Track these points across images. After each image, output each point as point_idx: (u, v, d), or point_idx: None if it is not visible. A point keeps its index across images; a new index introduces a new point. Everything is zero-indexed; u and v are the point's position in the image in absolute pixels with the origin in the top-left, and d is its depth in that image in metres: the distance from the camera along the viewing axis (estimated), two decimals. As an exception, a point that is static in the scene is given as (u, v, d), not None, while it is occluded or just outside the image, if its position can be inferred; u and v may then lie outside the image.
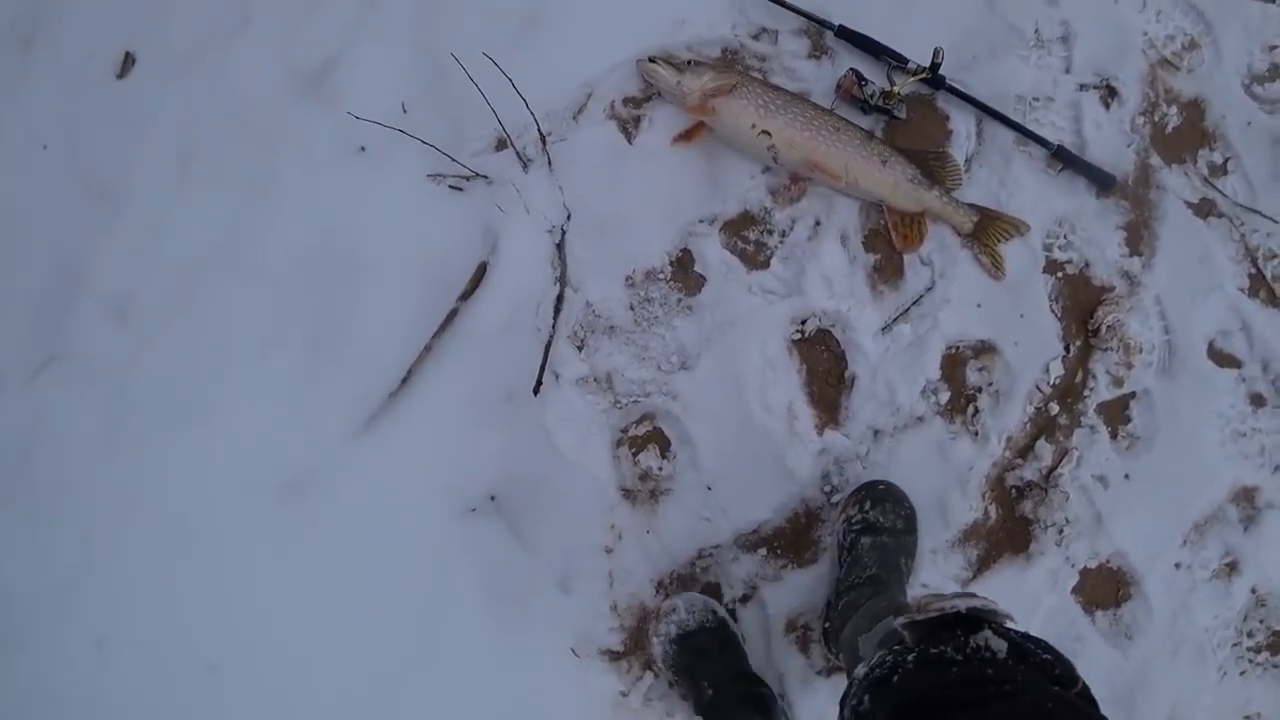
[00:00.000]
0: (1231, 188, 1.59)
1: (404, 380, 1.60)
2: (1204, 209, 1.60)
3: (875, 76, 1.58)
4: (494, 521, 1.55)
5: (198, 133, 1.80)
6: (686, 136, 1.59)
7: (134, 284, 1.76)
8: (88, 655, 1.63)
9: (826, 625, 1.44)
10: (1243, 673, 1.46)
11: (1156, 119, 1.61)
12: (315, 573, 1.58)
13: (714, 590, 1.54)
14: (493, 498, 1.56)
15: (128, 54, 1.86)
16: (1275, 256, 1.57)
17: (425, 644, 1.54)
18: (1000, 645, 0.81)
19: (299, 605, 1.58)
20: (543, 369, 1.53)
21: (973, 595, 0.90)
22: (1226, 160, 1.61)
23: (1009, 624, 0.86)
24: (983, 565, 1.50)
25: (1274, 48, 1.63)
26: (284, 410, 1.64)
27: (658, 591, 1.53)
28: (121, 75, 1.87)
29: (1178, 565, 1.47)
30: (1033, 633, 1.45)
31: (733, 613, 1.53)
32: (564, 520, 1.55)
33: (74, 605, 1.66)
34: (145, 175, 1.81)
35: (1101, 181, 1.55)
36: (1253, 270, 1.56)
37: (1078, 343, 1.54)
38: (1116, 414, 1.53)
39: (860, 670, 0.92)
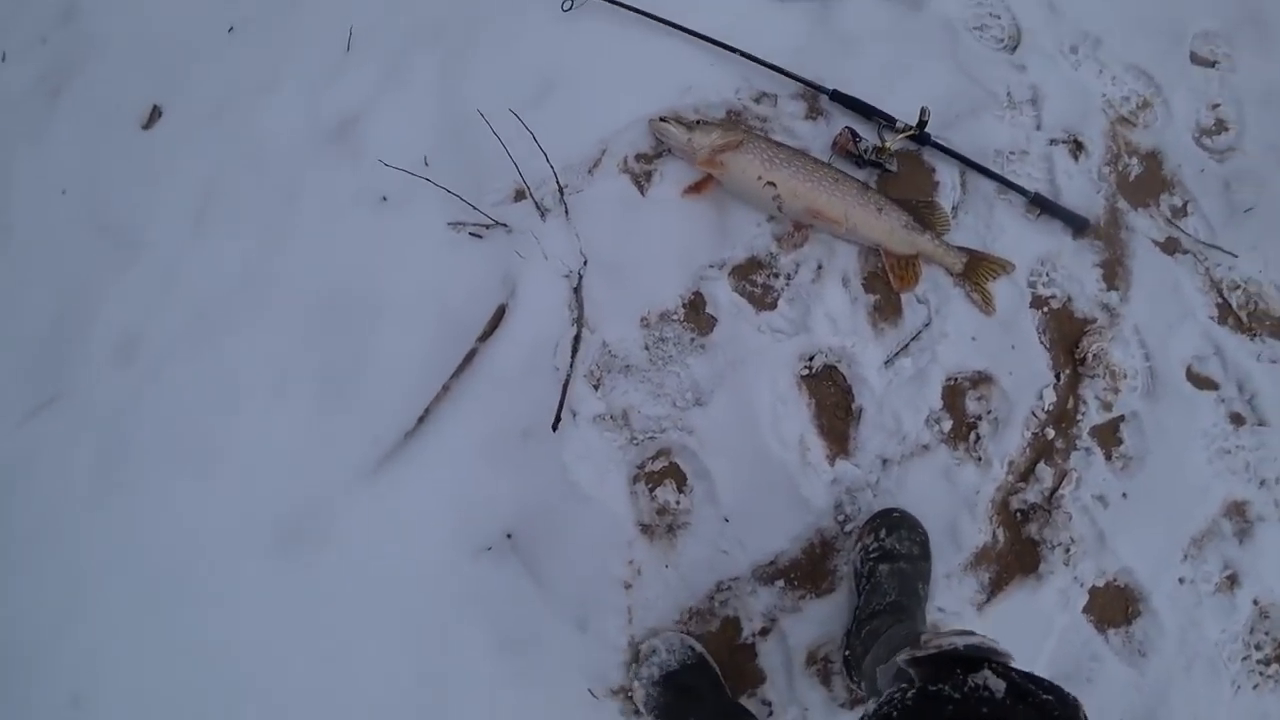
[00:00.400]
0: (1193, 227, 1.75)
1: (421, 420, 1.63)
2: (1170, 246, 1.74)
3: (867, 134, 1.72)
4: (510, 560, 1.55)
5: (219, 181, 1.87)
6: (696, 189, 1.71)
7: (143, 326, 1.79)
8: (63, 714, 1.55)
9: (847, 654, 1.45)
10: (1255, 686, 1.49)
11: (1120, 168, 1.78)
12: (322, 619, 1.55)
13: (734, 624, 1.54)
14: (509, 535, 1.57)
15: (155, 107, 1.96)
16: (1238, 287, 1.71)
17: (438, 686, 1.51)
18: (999, 685, 0.82)
19: (303, 655, 1.54)
20: (561, 405, 1.57)
21: (971, 633, 0.93)
22: (1185, 203, 1.77)
23: (1011, 664, 0.88)
24: (995, 588, 1.53)
25: (1216, 105, 1.84)
26: (294, 451, 1.64)
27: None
28: (147, 126, 1.96)
29: (1181, 580, 1.52)
30: (1051, 655, 1.48)
31: (753, 647, 1.53)
32: (581, 557, 1.55)
33: (53, 658, 1.59)
34: (163, 221, 1.87)
35: (1076, 224, 1.69)
36: (1219, 300, 1.70)
37: (1067, 371, 1.63)
38: (1109, 436, 1.61)
39: (870, 706, 0.94)
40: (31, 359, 1.81)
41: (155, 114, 1.96)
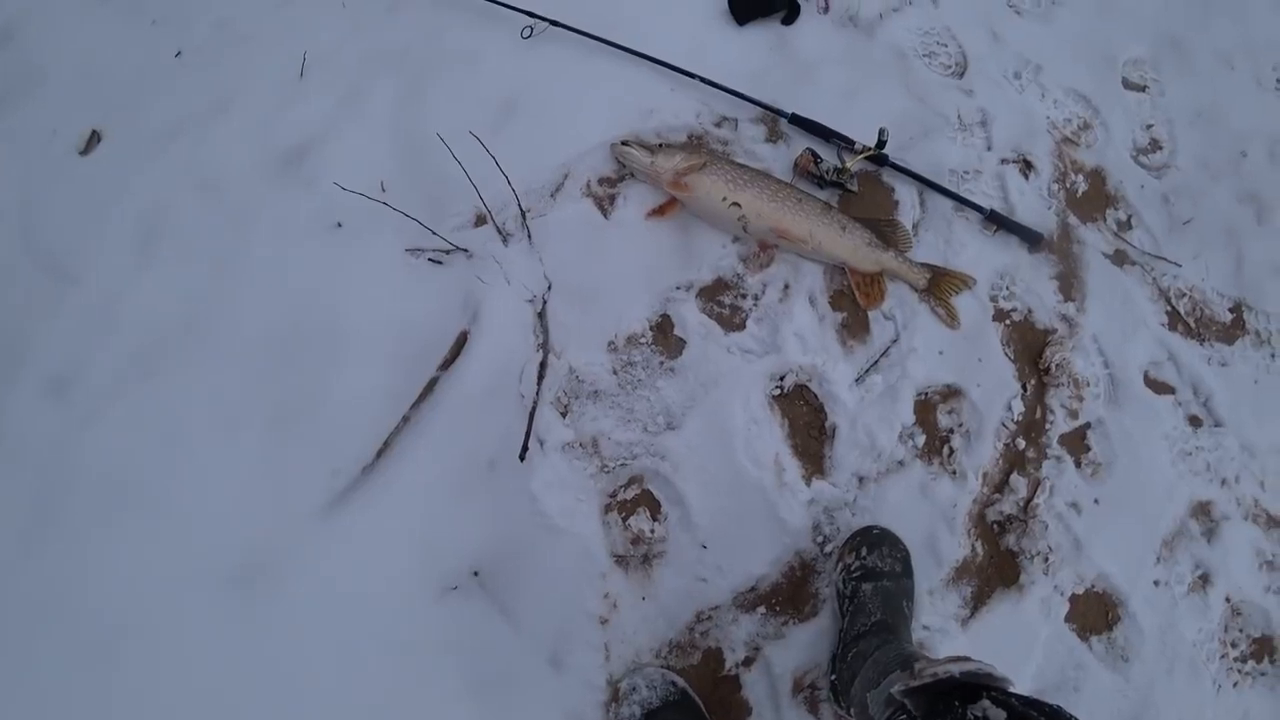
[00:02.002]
0: (1138, 239, 1.82)
1: (379, 452, 1.54)
2: (1119, 258, 1.81)
3: (827, 156, 1.76)
4: (477, 598, 1.46)
5: (165, 209, 1.78)
6: (660, 211, 1.71)
7: (80, 362, 1.66)
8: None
9: (833, 678, 1.40)
10: (1235, 684, 1.50)
11: (1068, 186, 1.86)
12: (278, 667, 1.42)
13: (716, 655, 1.48)
14: (476, 573, 1.48)
15: (94, 132, 1.87)
16: (1184, 295, 1.78)
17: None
18: (999, 716, 0.80)
19: (258, 706, 1.40)
20: (528, 434, 1.52)
21: (966, 659, 0.90)
22: (1129, 217, 1.85)
23: (1010, 688, 0.85)
24: (978, 602, 1.51)
25: (1150, 126, 1.95)
26: (245, 489, 1.53)
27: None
28: (85, 152, 1.86)
29: (1156, 583, 1.54)
30: (1038, 667, 1.46)
31: (737, 678, 1.47)
32: (554, 592, 1.47)
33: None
34: (103, 251, 1.76)
35: (1031, 239, 1.74)
36: (1169, 308, 1.76)
37: (1032, 381, 1.66)
38: (1077, 444, 1.64)
39: None
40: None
41: (94, 139, 1.86)
